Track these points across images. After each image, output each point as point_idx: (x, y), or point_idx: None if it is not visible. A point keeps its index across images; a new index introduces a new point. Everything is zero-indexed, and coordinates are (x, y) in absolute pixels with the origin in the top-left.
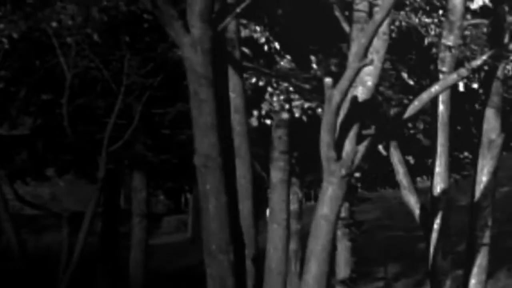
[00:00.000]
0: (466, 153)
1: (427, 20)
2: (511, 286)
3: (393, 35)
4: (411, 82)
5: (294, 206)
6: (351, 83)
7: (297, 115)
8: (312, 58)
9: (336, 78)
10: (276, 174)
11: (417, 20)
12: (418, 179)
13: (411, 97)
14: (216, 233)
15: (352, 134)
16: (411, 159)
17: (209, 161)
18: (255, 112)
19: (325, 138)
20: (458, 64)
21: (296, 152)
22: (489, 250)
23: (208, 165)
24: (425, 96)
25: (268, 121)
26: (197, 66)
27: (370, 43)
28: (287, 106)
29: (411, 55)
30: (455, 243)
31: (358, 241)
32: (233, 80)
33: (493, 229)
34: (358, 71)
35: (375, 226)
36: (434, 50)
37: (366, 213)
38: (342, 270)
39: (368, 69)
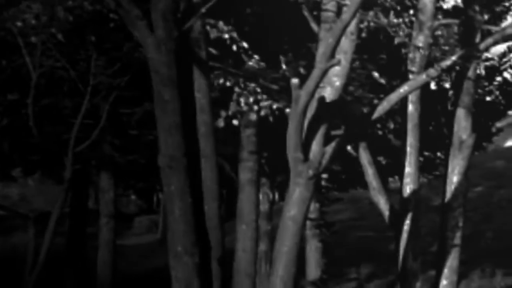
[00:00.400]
0: (438, 153)
1: (396, 21)
2: (484, 287)
3: (364, 34)
4: (382, 82)
5: (264, 207)
6: (318, 83)
7: (262, 113)
8: (281, 58)
9: (305, 79)
10: (245, 175)
11: (385, 21)
12: (390, 179)
13: (382, 96)
14: (181, 234)
15: (319, 135)
16: (382, 159)
17: (174, 162)
18: (223, 113)
19: (292, 139)
20: (428, 64)
21: (266, 152)
22: (461, 251)
23: (172, 166)
24: (394, 97)
25: (235, 122)
26: (161, 67)
27: (337, 43)
28: (255, 107)
29: (382, 55)
30: (429, 243)
31: (328, 242)
32: (199, 80)
33: (466, 229)
34: (325, 72)
35: (347, 226)
36: (404, 50)
37: (337, 214)
38: (313, 271)
39: (336, 69)
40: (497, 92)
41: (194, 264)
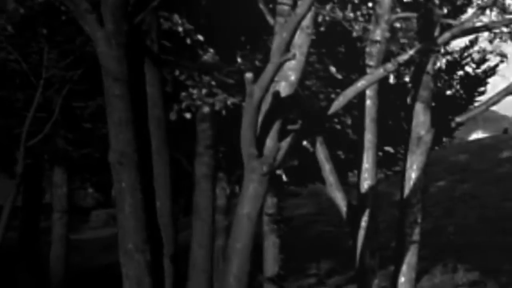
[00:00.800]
0: (398, 148)
1: (352, 15)
2: (447, 282)
3: (322, 28)
4: (339, 76)
5: (221, 202)
6: (273, 78)
7: (217, 108)
8: (237, 51)
9: (261, 73)
10: (200, 169)
11: (341, 14)
12: (350, 174)
13: (339, 91)
14: (132, 232)
15: (274, 130)
16: (341, 154)
17: (124, 158)
18: (175, 106)
19: (246, 135)
20: (386, 58)
21: (223, 147)
22: (422, 246)
23: (123, 162)
24: (350, 92)
25: (187, 115)
26: (111, 61)
27: (292, 37)
28: (210, 101)
29: (339, 48)
30: (389, 238)
31: (287, 238)
32: (151, 74)
33: (428, 224)
34: (279, 66)
35: (307, 221)
36: (361, 44)
37: (297, 208)
38: (270, 267)
39: (291, 63)
40: (458, 86)
41: (145, 262)
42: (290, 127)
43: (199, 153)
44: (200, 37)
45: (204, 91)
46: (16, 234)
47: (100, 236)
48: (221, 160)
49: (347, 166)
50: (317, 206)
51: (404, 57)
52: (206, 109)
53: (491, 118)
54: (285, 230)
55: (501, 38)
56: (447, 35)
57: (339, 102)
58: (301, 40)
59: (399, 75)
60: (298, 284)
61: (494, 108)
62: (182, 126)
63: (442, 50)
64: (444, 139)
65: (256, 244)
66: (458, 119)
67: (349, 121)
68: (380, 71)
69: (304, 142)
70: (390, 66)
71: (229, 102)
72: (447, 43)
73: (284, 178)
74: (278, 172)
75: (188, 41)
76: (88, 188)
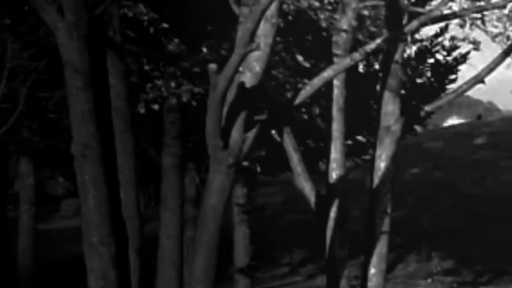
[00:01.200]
0: (368, 137)
1: (318, 4)
2: (421, 271)
3: (290, 17)
4: (307, 65)
5: (190, 192)
6: (237, 69)
7: (184, 99)
8: (203, 41)
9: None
10: (168, 160)
11: (306, 4)
12: (320, 162)
13: (306, 81)
14: (96, 225)
15: (239, 121)
16: (311, 143)
17: (87, 150)
18: (142, 98)
19: (211, 126)
20: (354, 47)
21: (191, 137)
22: (396, 234)
23: (86, 154)
24: (317, 82)
25: (155, 107)
26: (72, 53)
27: (256, 27)
28: (176, 91)
29: (307, 37)
30: (361, 227)
31: (259, 227)
32: (114, 65)
33: (402, 212)
34: (243, 57)
35: (279, 210)
36: (327, 34)
37: (268, 197)
38: (241, 258)
39: (256, 54)
40: (429, 74)
41: (110, 255)
42: (256, 117)
43: (166, 144)
44: (165, 25)
45: (170, 82)
46: None
47: (71, 226)
48: (190, 150)
49: (318, 155)
50: (289, 195)
51: (371, 46)
52: (173, 101)
53: (465, 103)
54: (256, 220)
55: (471, 25)
56: (414, 23)
57: (305, 92)
58: (265, 30)
59: (368, 64)
60: (271, 273)
61: (469, 93)
62: (150, 117)
63: (412, 38)
64: (416, 127)
65: (226, 235)
66: (427, 108)
67: (317, 111)
68: (347, 61)
69: (273, 132)
70: (357, 55)
71: (195, 90)
72: (415, 31)
73: (256, 168)
74: (245, 163)
75: (152, 30)
76: (58, 178)
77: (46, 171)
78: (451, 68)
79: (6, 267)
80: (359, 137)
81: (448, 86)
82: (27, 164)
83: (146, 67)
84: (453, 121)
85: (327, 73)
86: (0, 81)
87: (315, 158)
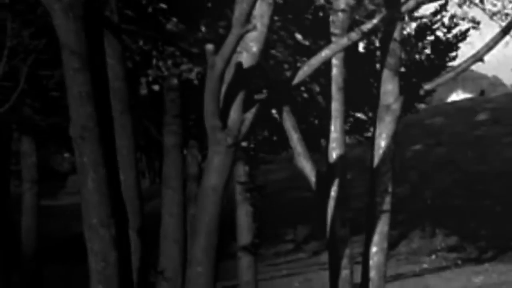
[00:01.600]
0: (369, 114)
1: None
2: (424, 247)
3: None
4: (306, 43)
5: (193, 170)
6: (234, 49)
7: (184, 77)
8: (201, 20)
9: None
10: (169, 139)
11: None
12: (322, 140)
13: (305, 59)
14: (96, 206)
15: (237, 101)
16: (312, 120)
17: (86, 132)
18: (143, 79)
19: (209, 107)
20: (352, 26)
21: (193, 115)
22: (400, 211)
23: (84, 136)
24: (314, 61)
25: (156, 87)
26: (69, 34)
27: (252, 7)
28: (176, 71)
29: (306, 15)
30: (364, 205)
31: (262, 205)
32: (112, 45)
33: (405, 189)
34: (240, 38)
35: (282, 187)
36: (324, 13)
37: (271, 174)
38: (245, 237)
39: (253, 34)
40: (429, 52)
41: (110, 237)
42: (256, 96)
43: (167, 122)
44: (163, 5)
45: (169, 61)
46: None
47: (76, 202)
48: (191, 128)
49: (319, 133)
50: (291, 172)
51: (368, 26)
52: (174, 81)
53: (470, 78)
54: (259, 198)
55: (470, 3)
56: (411, 2)
57: (303, 72)
58: (262, 10)
59: (369, 42)
60: (275, 250)
61: (473, 67)
62: (151, 96)
63: (412, 15)
64: (416, 105)
65: (229, 213)
66: (427, 87)
67: (317, 89)
68: (344, 41)
69: (273, 111)
70: (354, 35)
71: (195, 71)
72: (413, 10)
73: (256, 148)
74: (244, 144)
75: (150, 9)
76: (64, 153)
77: (52, 147)
78: (451, 45)
79: (9, 244)
80: (360, 115)
81: (448, 64)
82: (29, 143)
83: (145, 47)
84: (457, 95)
85: (324, 53)
86: (0, 59)
87: (317, 136)
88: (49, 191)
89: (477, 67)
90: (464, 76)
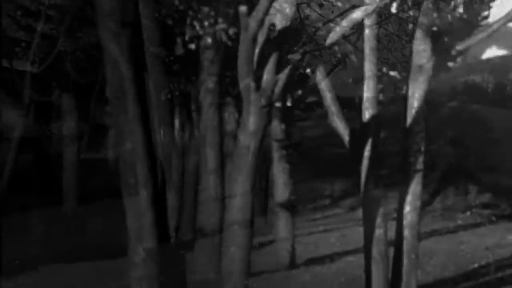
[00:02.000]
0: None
1: None
2: (459, 204)
3: None
4: (339, 4)
5: (230, 126)
6: (267, 11)
7: (219, 38)
8: None
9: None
10: (206, 97)
11: None
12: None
13: (338, 20)
14: (133, 167)
15: (271, 62)
16: (347, 79)
17: (121, 93)
18: (179, 40)
19: (243, 68)
20: None
21: (229, 72)
22: (434, 168)
23: (120, 97)
24: (345, 23)
25: (192, 46)
26: None
27: None
28: (211, 31)
29: None
30: (399, 163)
31: (298, 161)
32: (147, 7)
33: (439, 146)
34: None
35: (318, 144)
36: None
37: (307, 131)
38: (281, 193)
39: None
40: (461, 11)
41: (147, 195)
42: (290, 56)
43: (204, 80)
44: None
45: (205, 21)
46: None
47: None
48: (228, 85)
49: (354, 91)
50: (327, 129)
51: None
52: (209, 41)
53: (507, 33)
54: (295, 155)
55: None
56: None
57: (335, 34)
58: None
59: (401, 2)
60: (312, 205)
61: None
62: (188, 56)
63: None
64: (449, 64)
65: (266, 170)
66: (459, 47)
67: (350, 48)
68: (377, 2)
69: (307, 71)
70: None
71: (230, 32)
72: None
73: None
74: (278, 104)
75: None
76: (105, 106)
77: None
78: (484, 4)
79: (53, 194)
80: (394, 73)
81: (481, 23)
82: (69, 101)
83: (181, 7)
84: (492, 51)
85: (356, 14)
86: (38, 18)
87: (352, 94)
88: (92, 145)
89: None
90: (500, 32)
